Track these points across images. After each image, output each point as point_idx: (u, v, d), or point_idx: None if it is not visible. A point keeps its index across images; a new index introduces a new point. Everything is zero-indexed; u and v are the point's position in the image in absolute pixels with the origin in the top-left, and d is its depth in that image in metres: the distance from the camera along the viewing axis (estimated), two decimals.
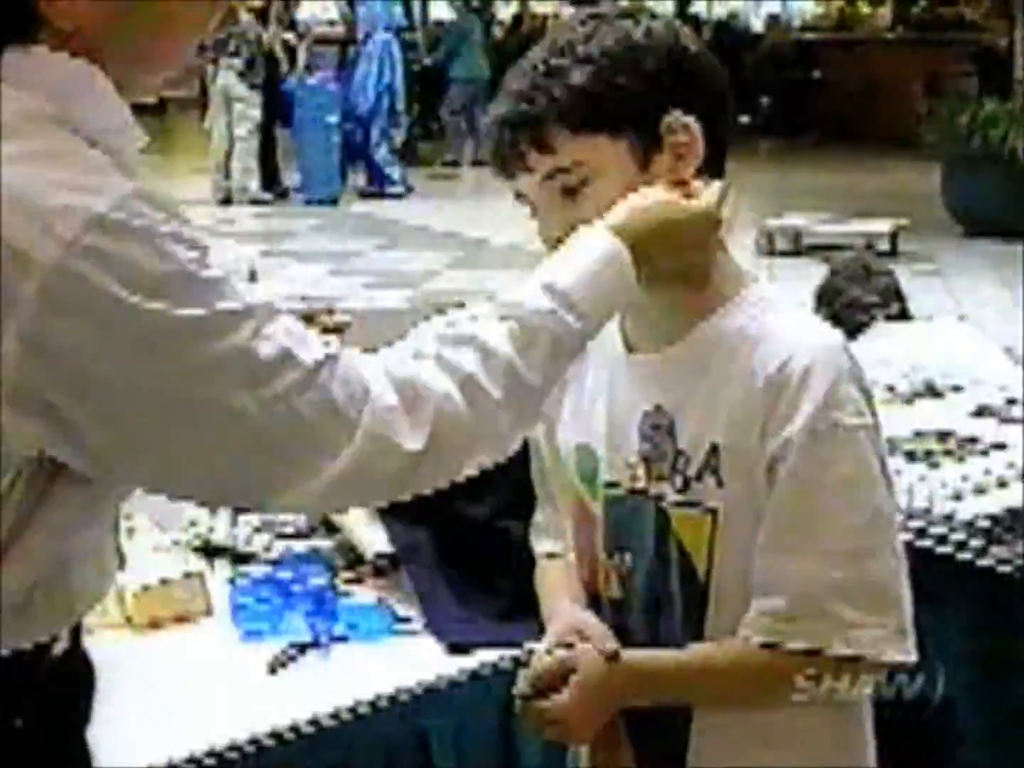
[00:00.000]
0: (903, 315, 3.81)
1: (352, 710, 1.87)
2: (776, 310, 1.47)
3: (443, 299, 4.94)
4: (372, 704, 1.88)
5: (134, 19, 1.10)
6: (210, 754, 1.76)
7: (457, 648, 2.01)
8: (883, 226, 9.62)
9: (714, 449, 1.43)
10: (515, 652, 1.97)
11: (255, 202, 12.17)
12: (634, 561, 1.52)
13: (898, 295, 3.83)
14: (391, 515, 2.16)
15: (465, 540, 2.14)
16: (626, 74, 1.39)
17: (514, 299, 1.25)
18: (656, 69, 1.40)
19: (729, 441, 1.42)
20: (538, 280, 1.27)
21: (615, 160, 1.40)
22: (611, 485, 1.53)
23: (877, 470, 1.42)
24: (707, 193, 1.39)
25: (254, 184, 12.28)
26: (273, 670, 1.96)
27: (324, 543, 2.34)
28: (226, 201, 12.18)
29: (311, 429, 1.09)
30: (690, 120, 1.40)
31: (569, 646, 1.48)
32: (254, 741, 1.80)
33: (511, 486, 2.06)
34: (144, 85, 1.18)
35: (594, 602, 1.58)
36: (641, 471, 1.49)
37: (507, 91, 1.43)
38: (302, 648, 2.00)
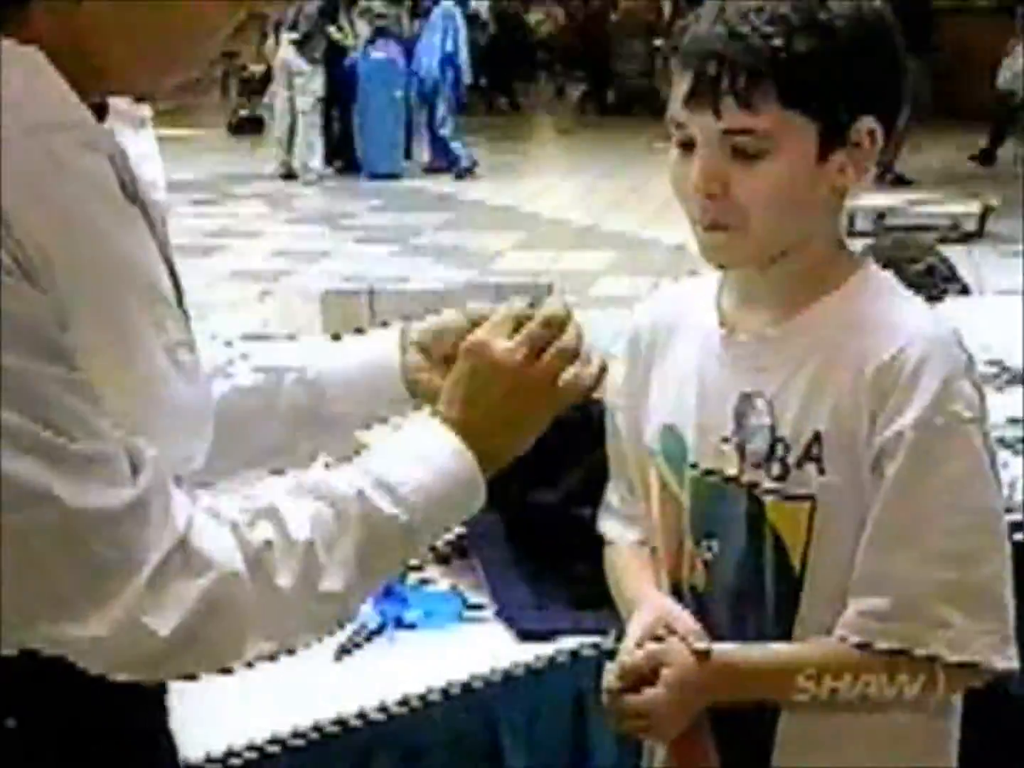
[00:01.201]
0: (948, 295, 3.72)
1: (421, 698, 1.87)
2: (889, 296, 1.45)
3: (509, 280, 4.94)
4: (442, 692, 1.89)
5: (139, 15, 1.08)
6: (273, 741, 1.77)
7: (529, 636, 2.01)
8: (972, 207, 9.49)
9: (816, 437, 1.41)
10: (589, 640, 1.96)
11: (318, 178, 12.23)
12: (721, 550, 1.51)
13: (949, 277, 3.75)
14: None
15: (538, 526, 2.14)
16: (855, 61, 1.37)
17: (327, 482, 1.15)
18: (881, 67, 1.39)
19: (833, 430, 1.40)
20: (363, 466, 1.17)
21: (802, 143, 1.38)
22: (700, 470, 1.52)
23: (988, 468, 1.40)
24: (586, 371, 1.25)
25: (317, 160, 12.34)
26: (340, 656, 1.97)
27: None
28: (288, 176, 12.25)
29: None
30: (878, 129, 1.40)
31: (658, 639, 1.47)
32: (319, 728, 1.81)
33: (585, 471, 2.06)
34: (154, 87, 1.16)
35: (675, 590, 1.57)
36: (734, 456, 1.48)
37: (726, 24, 1.37)
38: (370, 634, 2.01)
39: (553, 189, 11.88)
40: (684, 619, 1.50)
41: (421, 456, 1.18)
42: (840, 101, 1.38)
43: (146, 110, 1.26)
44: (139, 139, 1.26)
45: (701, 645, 1.45)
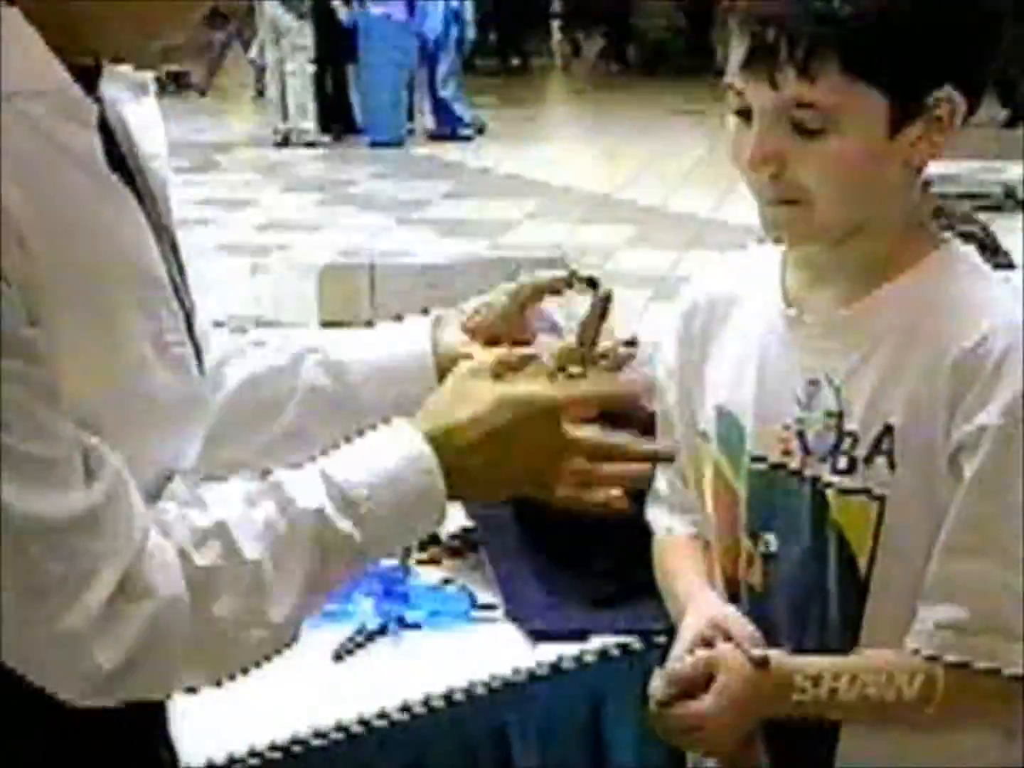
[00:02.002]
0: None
1: (425, 703, 1.89)
2: (972, 277, 1.44)
3: (520, 254, 4.95)
4: (447, 698, 1.90)
5: None
6: (272, 748, 1.79)
7: (542, 637, 2.01)
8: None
9: (888, 430, 1.40)
10: (608, 642, 1.97)
11: (313, 144, 12.23)
12: (781, 546, 1.50)
13: (988, 247, 3.74)
14: None
15: (553, 516, 2.14)
16: (931, 26, 1.35)
17: (287, 489, 1.16)
18: (963, 32, 1.36)
19: (906, 422, 1.39)
20: (328, 472, 1.18)
21: (868, 117, 1.36)
22: (758, 460, 1.51)
23: None
24: (631, 382, 1.33)
25: (311, 124, 12.34)
26: (339, 658, 1.98)
27: None
28: (284, 143, 12.25)
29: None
30: (960, 100, 1.37)
31: (710, 644, 1.47)
32: (319, 735, 1.82)
33: None
34: (138, 51, 1.17)
35: (730, 589, 1.57)
36: (796, 447, 1.47)
37: None
38: (371, 635, 2.02)
39: (568, 155, 11.86)
40: (740, 623, 1.50)
41: (388, 471, 1.19)
42: (914, 71, 1.35)
43: (149, 74, 1.26)
44: (140, 106, 1.27)
45: (758, 652, 1.45)
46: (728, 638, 1.47)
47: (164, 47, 1.17)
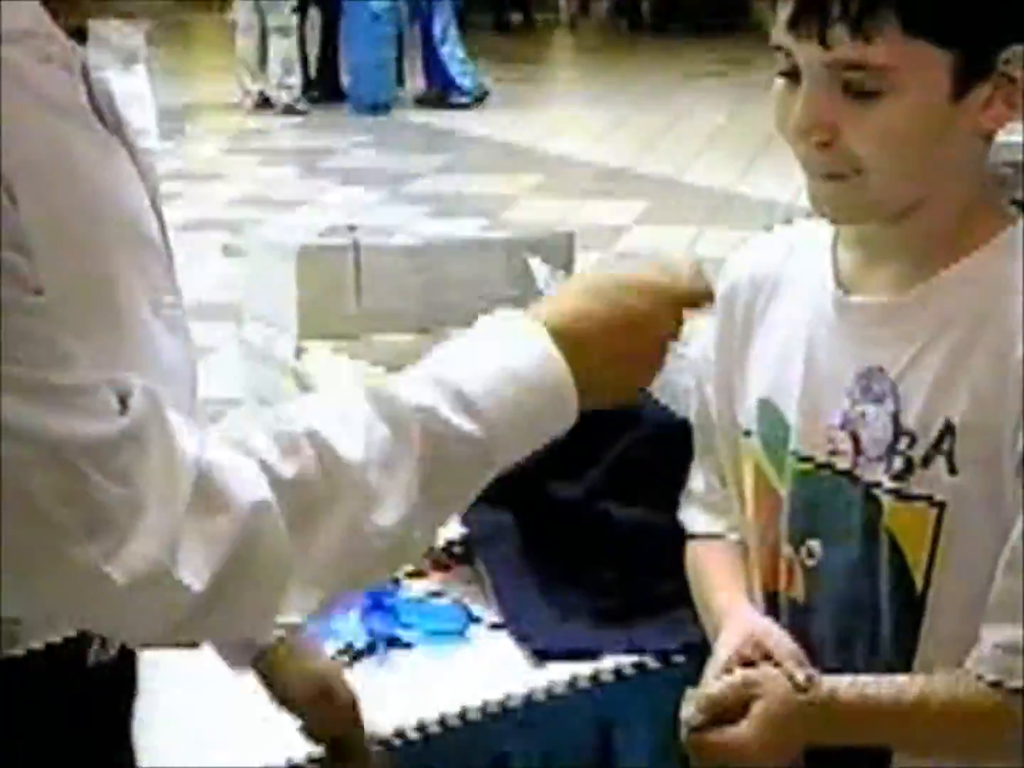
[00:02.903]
0: None
1: (419, 729, 1.89)
2: None
3: (522, 234, 4.95)
4: (442, 723, 1.91)
5: None
6: None
7: (546, 656, 2.03)
8: None
9: (949, 428, 1.40)
10: (617, 662, 1.98)
11: (292, 110, 12.22)
12: (826, 556, 1.50)
13: None
14: None
15: (557, 525, 2.16)
16: None
17: (389, 398, 1.15)
18: None
19: (970, 420, 1.39)
20: (434, 374, 1.18)
21: (929, 78, 1.36)
22: (804, 459, 1.51)
23: None
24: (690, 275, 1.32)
25: (292, 88, 12.32)
26: None
27: None
28: (259, 108, 12.24)
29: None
30: None
31: (749, 664, 1.47)
32: (295, 767, 1.83)
33: (613, 460, 2.08)
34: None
35: (770, 601, 1.57)
36: (847, 446, 1.47)
37: None
38: (357, 654, 2.03)
39: (575, 123, 11.85)
40: (781, 640, 1.50)
41: (506, 365, 1.19)
42: (983, 25, 1.35)
43: (139, 41, 1.28)
44: (128, 76, 1.29)
45: (801, 674, 1.45)
46: (768, 657, 1.47)
47: None
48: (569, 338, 1.21)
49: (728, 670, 1.48)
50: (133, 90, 1.15)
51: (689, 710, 1.46)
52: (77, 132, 1.15)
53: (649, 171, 9.84)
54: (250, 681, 1.75)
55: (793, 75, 1.39)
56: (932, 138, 1.38)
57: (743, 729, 1.44)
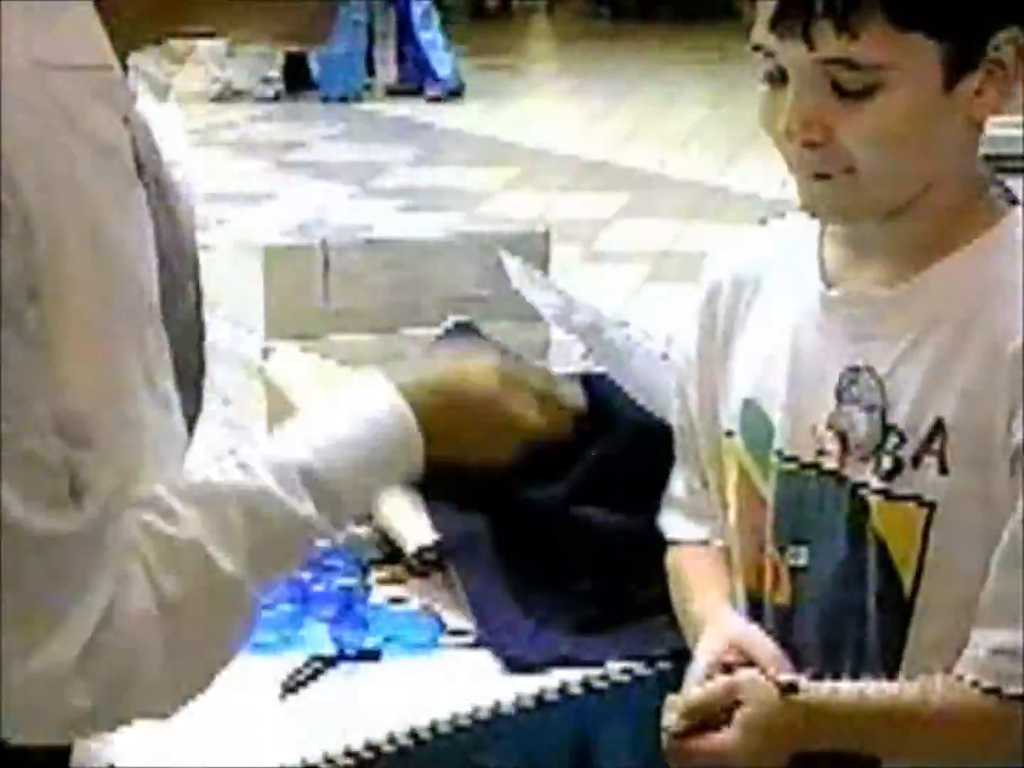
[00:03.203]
0: None
1: (390, 742, 1.89)
2: None
3: (498, 229, 4.95)
4: (413, 736, 1.91)
5: None
6: None
7: (520, 666, 2.03)
8: None
9: (939, 426, 1.41)
10: (594, 672, 1.98)
11: (261, 100, 12.20)
12: (813, 559, 1.51)
13: None
14: (438, 497, 2.17)
15: (532, 531, 2.16)
16: None
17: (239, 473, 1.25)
18: None
19: (961, 418, 1.40)
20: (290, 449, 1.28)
21: (920, 71, 1.37)
22: (789, 459, 1.52)
23: None
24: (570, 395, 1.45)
25: (261, 78, 12.29)
26: (288, 692, 1.99)
27: (353, 533, 2.36)
28: (227, 98, 12.22)
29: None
30: None
31: (731, 669, 1.48)
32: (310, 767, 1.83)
33: (591, 462, 2.08)
34: (260, 31, 1.26)
35: (753, 606, 1.58)
36: (834, 446, 1.48)
37: None
38: (324, 665, 2.03)
39: (553, 115, 11.85)
40: (764, 644, 1.51)
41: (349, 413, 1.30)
42: (970, 12, 1.36)
43: (173, 78, 1.29)
44: (163, 110, 1.30)
45: (785, 677, 1.46)
46: (750, 663, 1.49)
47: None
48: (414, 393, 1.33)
49: (709, 676, 1.48)
50: (167, 122, 1.16)
51: (671, 717, 1.47)
52: (113, 180, 1.15)
53: (630, 164, 9.84)
54: (261, 680, 1.77)
55: (777, 77, 1.41)
56: (926, 132, 1.40)
57: (727, 736, 1.45)
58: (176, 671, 1.20)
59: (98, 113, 1.13)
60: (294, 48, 1.54)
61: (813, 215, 1.48)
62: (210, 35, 1.24)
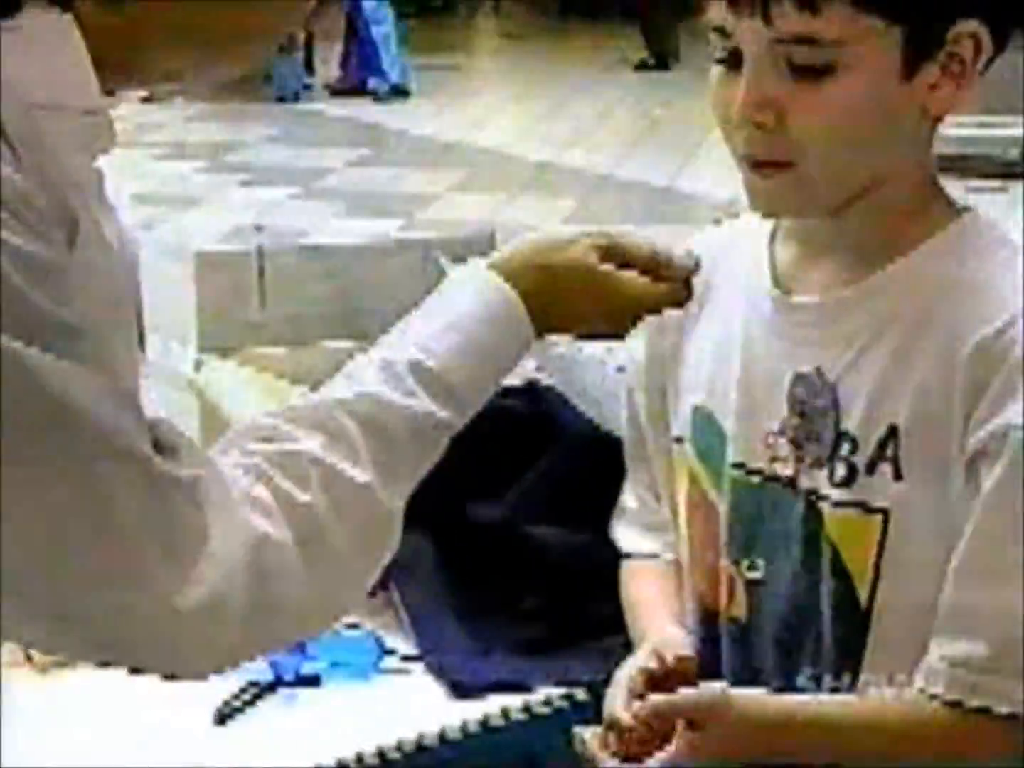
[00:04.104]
0: None
1: None
2: (995, 253, 1.45)
3: (444, 232, 4.96)
4: (357, 762, 1.90)
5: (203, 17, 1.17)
6: None
7: (465, 691, 2.03)
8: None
9: (893, 432, 1.42)
10: (541, 695, 1.98)
11: (195, 98, 12.16)
12: (769, 571, 1.52)
13: None
14: None
15: (477, 549, 2.16)
16: None
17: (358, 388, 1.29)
18: None
19: (915, 422, 1.41)
20: (402, 353, 1.31)
21: (879, 55, 1.38)
22: (741, 468, 1.53)
23: None
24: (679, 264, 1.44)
25: None
26: (222, 720, 1.98)
27: None
28: (150, 99, 12.17)
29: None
30: (984, 35, 1.39)
31: (651, 679, 1.48)
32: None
33: (537, 478, 2.08)
34: (200, 81, 1.33)
35: (707, 621, 1.59)
36: (787, 453, 1.49)
37: None
38: (261, 691, 2.02)
39: (499, 115, 11.88)
40: (673, 636, 1.53)
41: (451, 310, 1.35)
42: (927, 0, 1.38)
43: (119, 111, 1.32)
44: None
45: (681, 652, 1.50)
46: (663, 662, 1.50)
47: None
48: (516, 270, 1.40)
49: (641, 695, 1.48)
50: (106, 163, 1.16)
51: (591, 747, 1.47)
52: (103, 219, 1.17)
53: (580, 166, 9.88)
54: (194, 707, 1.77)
55: (732, 61, 1.41)
56: (880, 120, 1.41)
57: (664, 755, 1.44)
58: (322, 590, 1.23)
59: (78, 160, 1.15)
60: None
61: (758, 210, 1.49)
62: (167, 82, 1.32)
